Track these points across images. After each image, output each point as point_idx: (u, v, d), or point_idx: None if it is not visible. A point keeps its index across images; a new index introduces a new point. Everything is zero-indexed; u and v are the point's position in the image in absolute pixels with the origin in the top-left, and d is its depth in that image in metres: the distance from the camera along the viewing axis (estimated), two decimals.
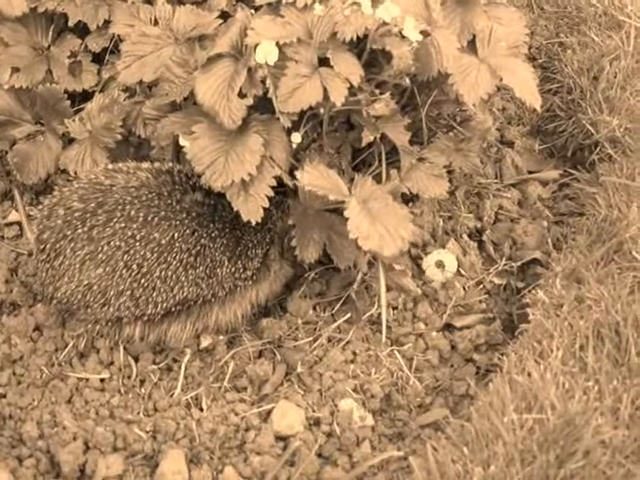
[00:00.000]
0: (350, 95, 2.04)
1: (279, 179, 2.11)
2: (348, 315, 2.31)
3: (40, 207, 2.18)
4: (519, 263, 2.46)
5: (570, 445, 1.83)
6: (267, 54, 2.00)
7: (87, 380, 2.20)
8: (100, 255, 2.08)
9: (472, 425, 1.92)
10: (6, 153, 2.48)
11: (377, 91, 2.12)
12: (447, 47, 2.13)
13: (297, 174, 2.03)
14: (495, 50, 2.21)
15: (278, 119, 2.07)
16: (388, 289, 2.19)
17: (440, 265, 2.40)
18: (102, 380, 2.20)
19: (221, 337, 2.27)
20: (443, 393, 2.21)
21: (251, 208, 2.07)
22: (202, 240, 2.12)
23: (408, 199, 2.41)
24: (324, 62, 2.05)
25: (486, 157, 2.68)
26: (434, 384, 2.23)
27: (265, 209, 2.08)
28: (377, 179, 2.18)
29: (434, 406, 2.19)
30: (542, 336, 2.08)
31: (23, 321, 2.25)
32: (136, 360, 2.24)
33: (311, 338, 2.27)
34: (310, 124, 2.16)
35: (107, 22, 2.42)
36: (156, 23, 2.33)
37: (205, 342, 2.26)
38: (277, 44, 2.01)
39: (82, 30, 2.48)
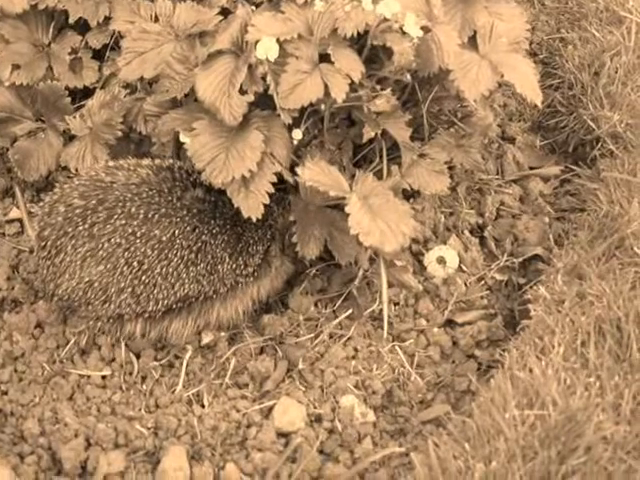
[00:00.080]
0: (351, 91, 2.03)
1: (280, 175, 2.10)
2: (349, 311, 2.31)
3: (41, 204, 2.18)
4: (520, 259, 2.45)
5: (572, 441, 1.83)
6: (268, 50, 2.00)
7: (88, 377, 2.20)
8: (101, 252, 2.08)
9: (473, 421, 1.92)
10: (7, 150, 2.47)
11: (378, 87, 2.11)
12: (448, 43, 2.13)
13: (298, 170, 2.03)
14: (496, 46, 2.21)
15: (279, 115, 2.06)
16: (389, 285, 2.19)
17: (441, 261, 2.40)
18: (103, 377, 2.20)
19: (222, 334, 2.27)
20: (444, 389, 2.21)
21: (252, 205, 2.07)
22: (203, 237, 2.12)
23: (409, 195, 2.41)
24: (325, 58, 2.05)
25: (487, 153, 2.68)
26: (435, 380, 2.23)
27: (266, 205, 2.08)
28: (378, 175, 2.17)
29: (435, 402, 2.19)
30: (543, 332, 2.08)
31: (24, 318, 2.25)
32: (137, 357, 2.24)
33: (312, 334, 2.27)
34: (311, 120, 2.16)
35: (107, 19, 2.42)
36: (156, 20, 2.33)
37: (206, 339, 2.26)
38: (278, 40, 2.01)
39: (83, 27, 2.47)
